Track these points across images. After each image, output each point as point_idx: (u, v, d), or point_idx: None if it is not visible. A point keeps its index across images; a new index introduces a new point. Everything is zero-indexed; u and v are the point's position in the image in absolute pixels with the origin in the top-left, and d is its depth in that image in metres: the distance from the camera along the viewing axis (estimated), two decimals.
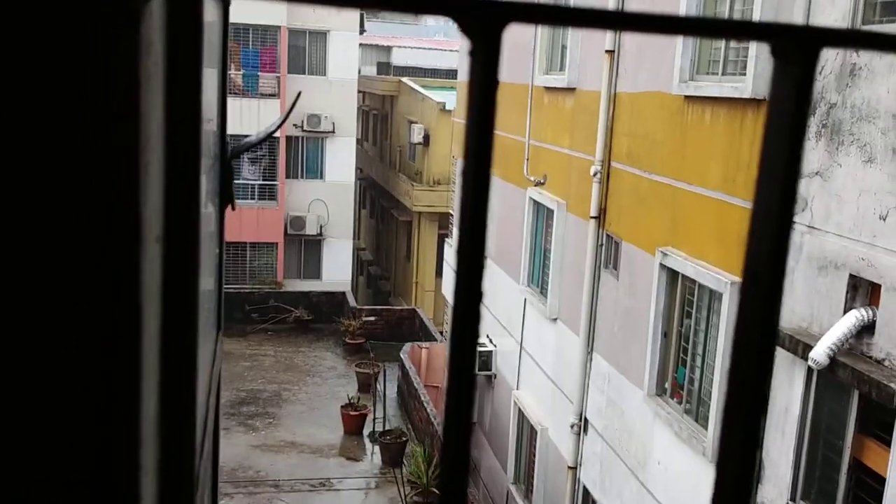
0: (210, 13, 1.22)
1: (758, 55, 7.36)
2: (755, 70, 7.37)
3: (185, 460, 0.80)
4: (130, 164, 0.48)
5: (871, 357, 6.08)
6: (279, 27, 25.43)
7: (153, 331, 0.61)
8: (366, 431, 17.75)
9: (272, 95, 25.47)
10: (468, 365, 0.44)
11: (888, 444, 5.93)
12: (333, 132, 26.64)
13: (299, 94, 3.49)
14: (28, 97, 0.46)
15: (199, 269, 0.78)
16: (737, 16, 8.04)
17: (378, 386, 18.47)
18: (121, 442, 0.53)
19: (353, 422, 17.73)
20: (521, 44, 13.35)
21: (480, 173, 0.42)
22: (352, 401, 17.98)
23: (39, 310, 0.49)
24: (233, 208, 1.63)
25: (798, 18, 6.83)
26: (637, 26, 0.45)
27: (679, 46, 8.64)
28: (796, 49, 0.45)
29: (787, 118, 0.45)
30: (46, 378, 0.51)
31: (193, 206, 0.72)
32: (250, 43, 25.59)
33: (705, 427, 8.18)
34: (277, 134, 25.30)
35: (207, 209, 1.38)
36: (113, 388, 0.52)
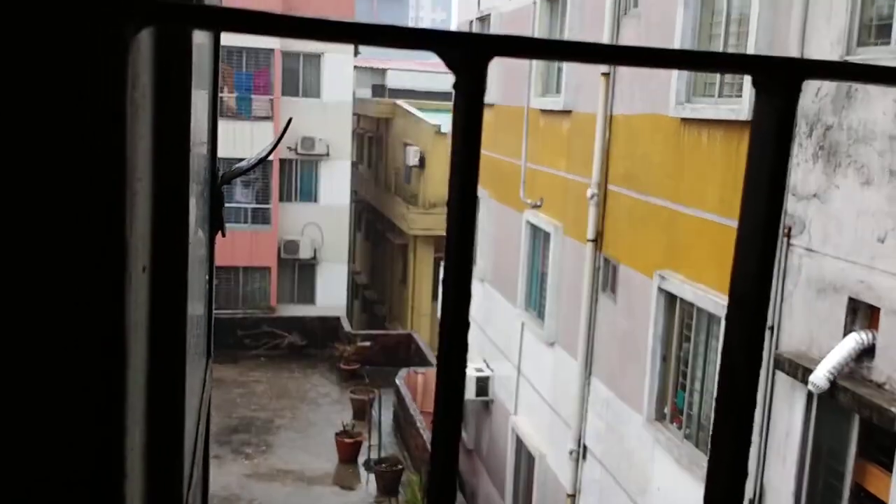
0: (200, 36, 1.18)
1: None
2: (752, 92, 7.36)
3: (173, 489, 0.77)
4: (116, 194, 0.48)
5: (871, 381, 6.02)
6: (273, 50, 25.52)
7: (140, 361, 0.59)
8: (361, 459, 17.57)
9: (266, 118, 25.50)
10: (457, 387, 0.44)
11: (890, 469, 5.85)
12: (328, 155, 26.65)
13: (290, 121, 3.47)
14: (15, 125, 0.46)
15: (187, 299, 0.75)
16: (732, 39, 8.06)
17: (373, 413, 18.32)
18: (106, 472, 0.52)
19: (348, 449, 17.55)
20: (516, 67, 13.38)
21: (466, 200, 0.41)
22: (346, 428, 17.81)
23: (22, 338, 0.49)
24: (223, 234, 1.58)
25: (793, 41, 6.83)
26: (620, 59, 0.46)
27: (675, 70, 8.64)
28: (778, 81, 0.45)
29: (769, 149, 0.46)
30: (25, 408, 0.51)
31: (182, 236, 0.70)
32: (244, 66, 25.65)
33: (706, 453, 8.09)
34: (271, 157, 25.29)
35: (197, 235, 1.33)
36: (97, 418, 0.52)
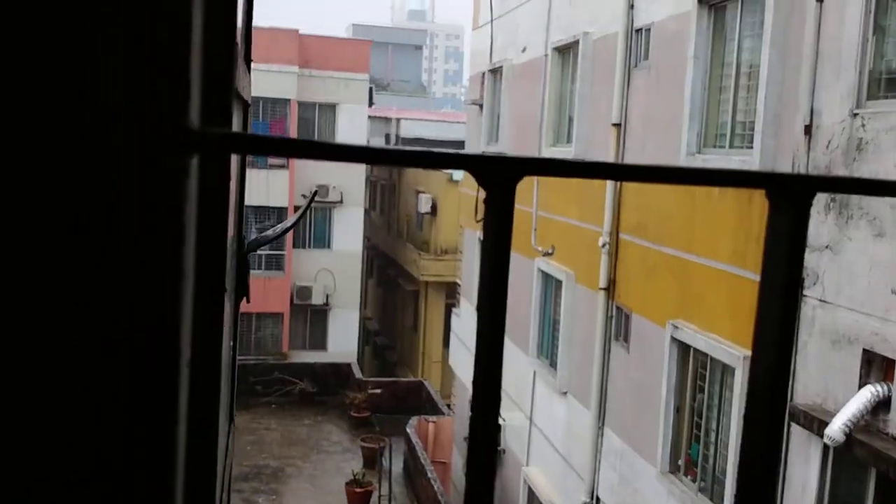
0: (236, 118, 1.23)
1: (764, 130, 7.42)
2: (762, 143, 7.43)
3: None
4: (174, 297, 0.51)
5: (887, 434, 5.95)
6: (289, 100, 25.90)
7: (180, 451, 0.62)
8: None
9: (281, 167, 25.79)
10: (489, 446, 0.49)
11: None
12: (341, 202, 26.87)
13: (316, 192, 3.56)
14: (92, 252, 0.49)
15: (219, 387, 0.78)
16: (742, 92, 8.14)
17: (384, 461, 18.16)
18: None
19: (358, 499, 17.36)
20: (528, 116, 13.54)
21: (496, 314, 0.47)
22: (357, 477, 17.64)
23: (82, 442, 0.51)
24: (247, 301, 1.61)
25: (803, 95, 6.90)
26: (638, 176, 0.50)
27: (686, 119, 8.74)
28: (791, 195, 0.48)
29: (783, 259, 0.48)
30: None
31: (217, 328, 0.73)
32: (260, 115, 26.02)
33: None
34: (286, 204, 25.51)
35: (225, 304, 1.37)
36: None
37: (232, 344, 1.63)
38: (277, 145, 0.40)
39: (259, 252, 26.28)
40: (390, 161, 0.43)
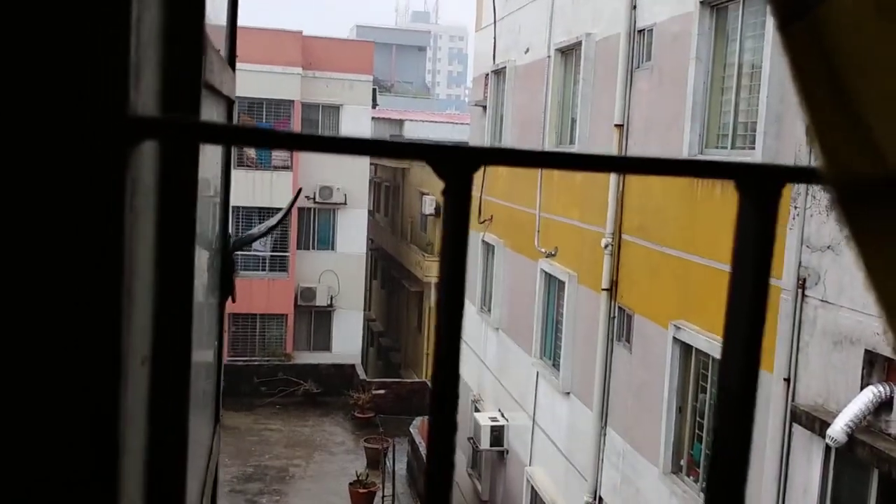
0: (213, 113, 1.24)
1: (766, 130, 7.42)
2: (764, 143, 7.42)
3: None
4: (111, 297, 0.50)
5: (889, 434, 5.95)
6: (293, 101, 25.93)
7: (136, 452, 0.60)
8: None
9: (285, 168, 25.82)
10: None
11: None
12: (345, 204, 26.88)
13: (300, 191, 3.57)
14: (15, 236, 0.48)
15: (188, 389, 0.77)
16: (744, 92, 8.14)
17: (387, 462, 18.17)
18: None
19: (362, 500, 17.37)
20: (531, 117, 13.54)
21: (453, 303, 0.44)
22: (360, 477, 17.66)
23: (14, 438, 0.49)
24: (233, 300, 1.62)
25: None
26: (602, 166, 0.49)
27: (688, 120, 8.74)
28: (759, 185, 0.48)
29: (752, 250, 0.48)
30: None
31: (185, 321, 0.73)
32: (264, 117, 26.06)
33: None
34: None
35: (209, 303, 1.37)
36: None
37: (217, 343, 1.63)
38: (221, 132, 0.41)
39: (262, 253, 26.33)
40: (340, 150, 0.43)
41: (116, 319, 0.49)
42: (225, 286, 1.53)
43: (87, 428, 0.50)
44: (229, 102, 1.50)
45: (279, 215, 2.36)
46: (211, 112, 1.17)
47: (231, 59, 1.58)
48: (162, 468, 0.70)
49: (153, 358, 0.64)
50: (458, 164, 0.45)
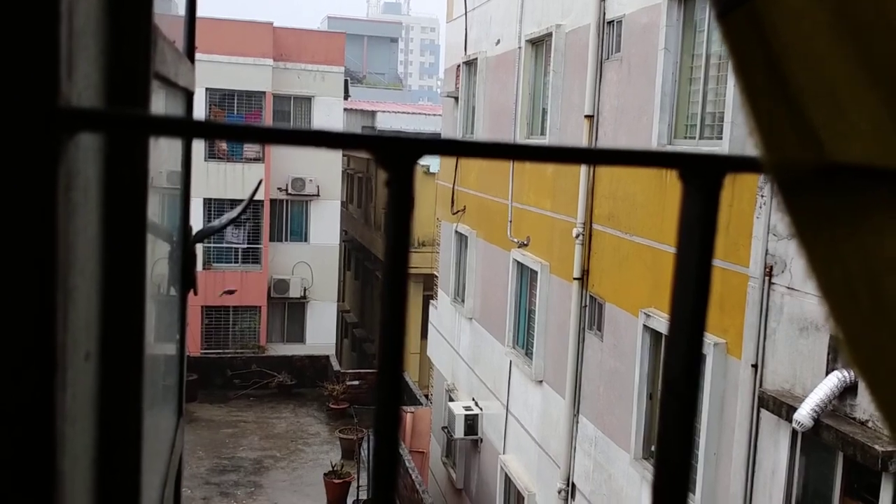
0: (167, 105, 1.23)
1: (733, 120, 7.50)
2: (731, 133, 7.51)
3: None
4: (43, 290, 0.49)
5: (854, 418, 6.06)
6: (264, 93, 25.75)
7: (83, 452, 0.59)
8: (350, 500, 17.40)
9: (256, 160, 25.65)
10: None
11: None
12: (318, 195, 26.77)
13: (260, 182, 3.57)
14: None
15: (141, 381, 0.76)
16: (712, 83, 8.22)
17: (362, 452, 18.19)
18: None
19: (337, 490, 17.38)
20: (503, 108, 13.57)
21: (396, 292, 0.45)
22: (335, 468, 17.66)
23: None
24: (195, 293, 1.63)
25: None
26: (547, 157, 0.49)
27: (657, 110, 8.81)
28: (703, 175, 0.48)
29: (696, 239, 0.48)
30: None
31: (137, 314, 0.72)
32: (235, 109, 25.85)
33: (693, 492, 8.08)
34: (262, 197, 25.40)
35: (169, 295, 1.37)
36: None
37: (180, 336, 1.63)
38: (166, 125, 0.42)
39: (235, 245, 26.15)
40: (285, 141, 0.44)
41: (49, 313, 0.48)
42: (186, 278, 1.54)
43: (19, 425, 0.49)
44: (188, 94, 1.50)
45: (240, 207, 2.37)
46: (165, 104, 1.17)
47: (190, 51, 1.58)
48: (114, 466, 0.70)
49: (101, 352, 0.63)
50: (399, 154, 0.45)
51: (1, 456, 0.49)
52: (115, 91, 0.61)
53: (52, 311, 0.48)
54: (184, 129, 0.42)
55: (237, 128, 0.41)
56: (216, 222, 2.45)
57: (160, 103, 1.04)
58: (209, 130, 0.42)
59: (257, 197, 25.06)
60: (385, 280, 0.47)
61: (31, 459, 0.50)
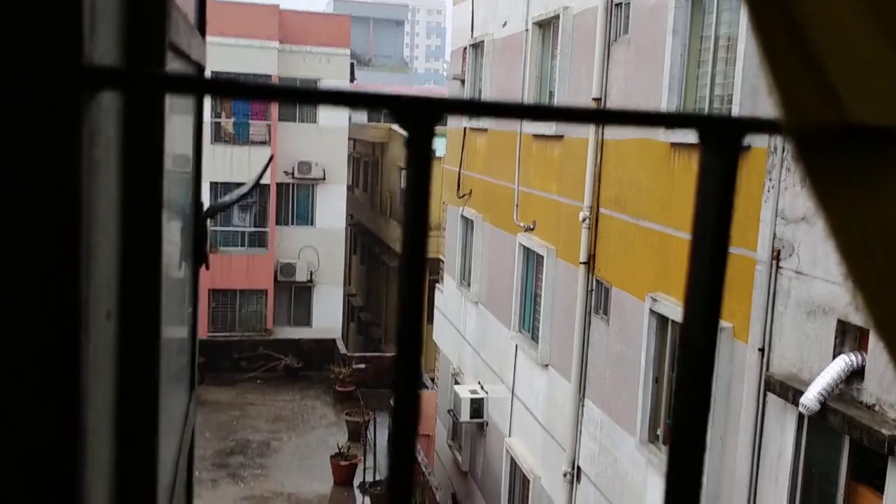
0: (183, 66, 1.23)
1: (741, 102, 7.46)
2: (740, 114, 7.42)
3: None
4: (69, 255, 0.49)
5: (861, 402, 6.06)
6: (270, 76, 25.69)
7: (105, 407, 0.60)
8: (356, 482, 17.51)
9: (263, 143, 25.63)
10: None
11: (881, 490, 5.88)
12: (324, 179, 26.76)
13: (272, 158, 3.57)
14: None
15: (159, 341, 0.77)
16: (720, 65, 8.17)
17: (369, 435, 18.28)
18: None
19: (344, 472, 17.48)
20: (510, 91, 13.51)
21: (416, 246, 0.45)
22: (342, 450, 17.76)
23: None
24: (206, 268, 1.63)
25: None
26: (563, 117, 0.50)
27: (665, 94, 8.76)
28: (721, 137, 0.48)
29: (714, 202, 0.48)
30: None
31: (154, 278, 0.73)
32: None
33: None
34: (268, 181, 25.40)
35: (181, 269, 1.37)
36: (52, 478, 0.51)
37: (192, 310, 1.64)
38: (191, 84, 0.42)
39: (242, 229, 26.19)
40: (304, 100, 0.44)
41: (74, 267, 0.49)
42: (198, 253, 1.54)
43: (48, 372, 0.50)
44: (199, 69, 1.50)
45: (251, 182, 2.37)
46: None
47: (201, 26, 1.58)
48: (133, 424, 0.71)
49: (120, 312, 0.64)
50: (420, 113, 0.45)
51: (30, 404, 0.50)
52: (131, 57, 0.61)
53: (77, 263, 0.49)
54: (203, 87, 0.42)
55: (255, 86, 0.41)
56: (227, 197, 2.46)
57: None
58: (228, 89, 0.42)
59: (263, 181, 25.08)
60: (405, 242, 0.46)
61: (58, 407, 0.51)
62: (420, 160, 0.46)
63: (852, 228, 0.47)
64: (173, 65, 0.99)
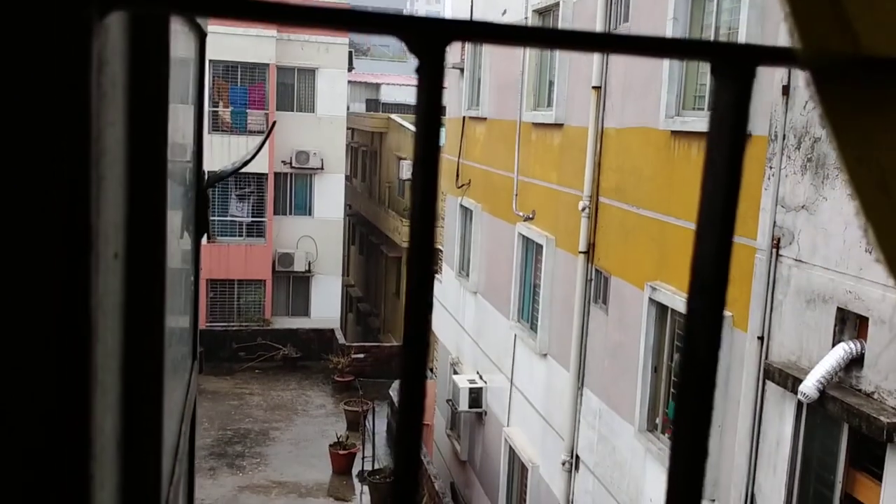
0: (185, 49, 1.22)
1: None
2: None
3: (150, 482, 0.77)
4: (80, 176, 0.49)
5: (860, 390, 6.07)
6: (268, 65, 25.61)
7: (112, 346, 0.60)
8: (355, 471, 17.54)
9: (261, 132, 25.56)
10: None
11: (880, 478, 5.89)
12: (322, 169, 26.72)
13: (274, 124, 3.55)
14: None
15: (164, 285, 0.77)
16: (724, 27, 8.14)
17: (367, 424, 18.31)
18: (72, 454, 0.52)
19: (342, 461, 17.52)
20: (509, 81, 13.48)
21: (428, 182, 0.44)
22: (340, 440, 17.79)
23: None
24: (209, 238, 1.62)
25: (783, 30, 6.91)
26: (576, 44, 0.47)
27: (665, 82, 8.74)
28: (734, 67, 0.47)
29: (726, 133, 0.47)
30: None
31: (160, 225, 0.72)
32: (239, 80, 25.73)
33: None
34: (266, 170, 25.35)
35: (183, 238, 1.36)
36: (63, 405, 0.51)
37: (194, 278, 1.63)
38: (197, 2, 0.40)
39: (240, 219, 26.16)
40: (302, 21, 0.42)
41: (84, 190, 0.49)
42: (200, 222, 1.54)
43: (57, 308, 0.49)
44: (201, 36, 1.49)
45: (252, 150, 2.37)
46: (183, 40, 1.15)
47: None
48: (139, 370, 0.70)
49: (127, 254, 0.63)
50: (430, 36, 0.43)
51: (41, 328, 0.49)
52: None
53: (87, 184, 0.47)
54: (226, 7, 0.40)
55: (258, 4, 0.40)
56: (228, 165, 2.45)
57: (178, 39, 1.02)
58: (238, 7, 0.40)
59: (260, 170, 25.02)
60: (415, 179, 0.44)
61: (69, 335, 0.50)
62: (430, 87, 0.44)
63: (866, 161, 0.47)
64: (176, 27, 0.97)
